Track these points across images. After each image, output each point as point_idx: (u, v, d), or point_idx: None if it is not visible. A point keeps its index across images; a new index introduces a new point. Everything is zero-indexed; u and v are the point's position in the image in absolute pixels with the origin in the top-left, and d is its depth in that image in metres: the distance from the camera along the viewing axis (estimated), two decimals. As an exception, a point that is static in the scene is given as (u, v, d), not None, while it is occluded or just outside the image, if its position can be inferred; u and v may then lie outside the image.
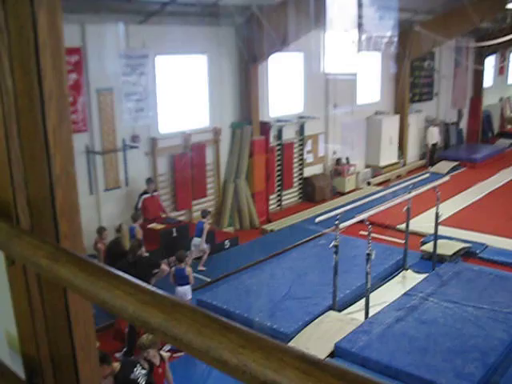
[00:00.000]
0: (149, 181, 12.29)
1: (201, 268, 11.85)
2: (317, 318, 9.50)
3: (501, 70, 31.89)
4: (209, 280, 11.42)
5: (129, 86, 12.09)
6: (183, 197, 13.59)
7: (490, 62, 29.72)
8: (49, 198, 1.86)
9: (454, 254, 12.46)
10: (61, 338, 1.95)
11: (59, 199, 1.87)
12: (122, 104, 12.02)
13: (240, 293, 10.47)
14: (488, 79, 29.70)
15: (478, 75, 27.68)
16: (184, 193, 13.58)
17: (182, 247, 10.69)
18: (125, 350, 8.74)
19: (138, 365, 6.50)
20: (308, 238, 13.55)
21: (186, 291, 9.51)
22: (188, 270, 9.59)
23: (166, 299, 1.18)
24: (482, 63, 27.13)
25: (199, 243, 11.79)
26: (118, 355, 8.59)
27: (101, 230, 10.69)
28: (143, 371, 6.43)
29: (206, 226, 11.84)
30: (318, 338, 8.90)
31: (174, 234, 11.95)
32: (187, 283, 9.54)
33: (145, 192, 12.19)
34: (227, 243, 13.14)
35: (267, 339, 1.03)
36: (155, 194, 12.40)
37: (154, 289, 1.24)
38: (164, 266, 9.51)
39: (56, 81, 1.80)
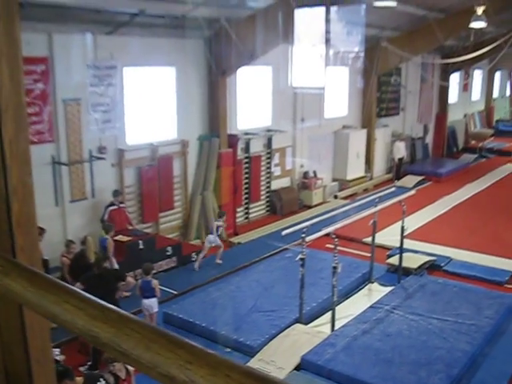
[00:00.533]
0: (115, 193, 12.18)
1: (218, 261, 12.97)
2: (283, 330, 9.49)
3: (465, 87, 32.50)
4: (175, 293, 11.33)
5: (96, 97, 12.00)
6: (150, 209, 13.49)
7: (455, 79, 30.25)
8: (4, 210, 1.83)
9: (420, 267, 12.60)
10: (16, 352, 1.91)
11: (15, 211, 1.84)
12: (89, 115, 11.91)
13: (206, 306, 10.42)
14: (453, 95, 30.22)
15: (444, 91, 28.14)
16: (151, 205, 13.49)
17: (148, 259, 10.59)
18: (89, 363, 8.61)
19: (102, 379, 6.40)
20: (275, 251, 13.55)
21: (152, 304, 9.43)
22: (154, 282, 9.51)
23: (115, 314, 1.16)
24: (447, 80, 27.59)
25: (214, 240, 13.00)
26: (82, 369, 8.46)
27: (69, 244, 10.56)
28: (107, 385, 6.34)
29: (221, 225, 13.32)
30: (285, 351, 8.88)
31: (141, 247, 11.84)
32: (154, 296, 9.46)
33: (111, 204, 12.08)
34: (194, 256, 13.06)
35: (215, 355, 1.02)
36: (122, 205, 12.29)
37: (103, 303, 1.22)
38: (130, 279, 9.43)
39: (13, 91, 1.78)
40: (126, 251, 11.55)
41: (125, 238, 11.86)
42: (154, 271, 10.12)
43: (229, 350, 9.14)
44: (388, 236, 14.13)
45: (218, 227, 13.11)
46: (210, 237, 13.06)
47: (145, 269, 9.69)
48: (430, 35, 19.85)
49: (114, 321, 1.14)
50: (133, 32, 12.31)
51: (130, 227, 12.58)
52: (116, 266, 10.85)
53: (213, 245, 13.07)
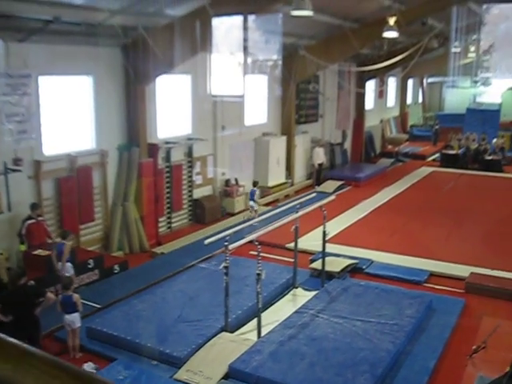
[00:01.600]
0: (33, 206, 11.80)
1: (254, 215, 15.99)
2: (210, 340, 9.43)
3: (380, 94, 33.50)
4: (98, 306, 11.07)
5: (10, 107, 11.57)
6: (70, 221, 13.13)
7: (371, 86, 31.12)
8: None
9: (342, 270, 12.82)
10: None
11: None
12: (2, 125, 11.49)
13: (131, 318, 10.22)
14: (369, 102, 31.08)
15: (360, 98, 28.88)
16: (70, 217, 13.14)
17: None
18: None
19: None
20: (199, 260, 13.47)
21: (74, 319, 9.18)
22: (76, 296, 9.28)
23: (14, 348, 1.08)
24: (363, 87, 28.34)
25: (255, 206, 16.91)
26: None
27: None
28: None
29: (257, 193, 17.23)
30: (212, 361, 8.82)
31: (61, 261, 11.49)
32: (75, 311, 9.21)
33: (29, 217, 11.69)
34: (117, 268, 12.82)
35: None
36: (40, 219, 11.92)
37: (2, 336, 1.13)
38: (50, 295, 9.13)
39: None
40: (46, 266, 11.18)
41: (44, 253, 11.49)
42: (75, 285, 9.83)
43: (155, 362, 9.01)
44: (310, 241, 14.33)
45: (252, 191, 17.13)
46: (251, 202, 17.09)
47: (65, 283, 9.44)
48: (346, 44, 20.38)
49: (13, 355, 1.06)
50: (48, 40, 11.98)
51: (50, 241, 12.19)
52: (71, 273, 10.66)
53: (255, 208, 16.91)
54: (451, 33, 24.11)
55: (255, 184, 17.62)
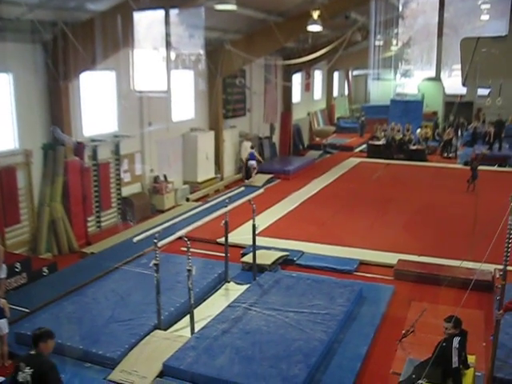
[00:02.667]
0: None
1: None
2: (143, 338, 9.34)
3: (307, 87, 33.89)
4: (27, 311, 10.75)
5: None
6: (-7, 224, 12.73)
7: (297, 79, 31.45)
8: None
9: (273, 262, 12.93)
10: None
11: None
12: None
13: (62, 321, 9.99)
14: (296, 95, 31.41)
15: (287, 91, 29.16)
16: (-6, 220, 12.73)
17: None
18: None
19: None
20: (130, 259, 13.30)
21: (1, 325, 8.88)
22: (2, 301, 8.97)
23: None
24: (290, 80, 28.61)
25: (254, 164, 22.29)
26: None
27: None
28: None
29: (256, 154, 22.75)
30: (146, 359, 8.74)
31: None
32: (2, 317, 8.92)
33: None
34: (45, 270, 12.50)
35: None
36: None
37: None
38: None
39: None
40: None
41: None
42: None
43: (89, 364, 8.85)
44: (241, 235, 14.38)
45: (251, 152, 22.49)
46: (251, 162, 22.66)
47: (-9, 288, 9.14)
48: (271, 38, 20.52)
49: None
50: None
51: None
52: (3, 276, 10.21)
53: (254, 165, 22.55)
54: (372, 26, 24.67)
55: (252, 147, 23.53)
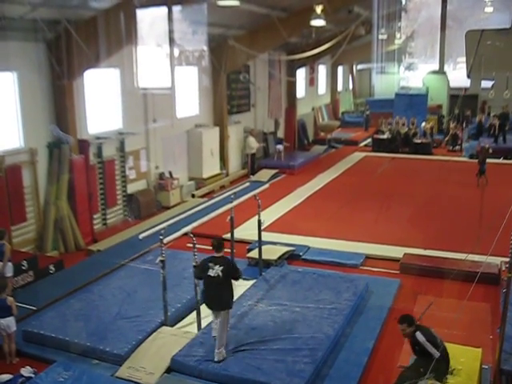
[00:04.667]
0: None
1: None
2: (150, 335, 9.37)
3: (311, 82, 33.80)
4: (34, 308, 10.80)
5: None
6: (0, 223, 12.75)
7: (301, 74, 31.38)
8: None
9: (279, 258, 12.93)
10: None
11: None
12: None
13: (69, 318, 10.04)
14: (300, 90, 31.33)
15: (291, 86, 29.10)
16: (1, 219, 12.75)
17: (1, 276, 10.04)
18: None
19: None
20: (136, 255, 13.33)
21: (9, 323, 8.93)
22: (10, 299, 9.02)
23: None
24: (294, 75, 28.56)
25: (281, 148, 24.61)
26: None
27: None
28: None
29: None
30: (153, 356, 8.77)
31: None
32: (10, 314, 8.96)
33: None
34: (52, 268, 12.55)
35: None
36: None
37: None
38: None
39: None
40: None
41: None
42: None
43: (96, 361, 8.89)
44: (247, 230, 14.38)
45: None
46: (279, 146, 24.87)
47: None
48: (274, 33, 20.50)
49: None
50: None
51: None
52: (11, 274, 10.41)
53: (281, 150, 24.43)
54: (375, 20, 24.62)
55: (281, 140, 26.44)
